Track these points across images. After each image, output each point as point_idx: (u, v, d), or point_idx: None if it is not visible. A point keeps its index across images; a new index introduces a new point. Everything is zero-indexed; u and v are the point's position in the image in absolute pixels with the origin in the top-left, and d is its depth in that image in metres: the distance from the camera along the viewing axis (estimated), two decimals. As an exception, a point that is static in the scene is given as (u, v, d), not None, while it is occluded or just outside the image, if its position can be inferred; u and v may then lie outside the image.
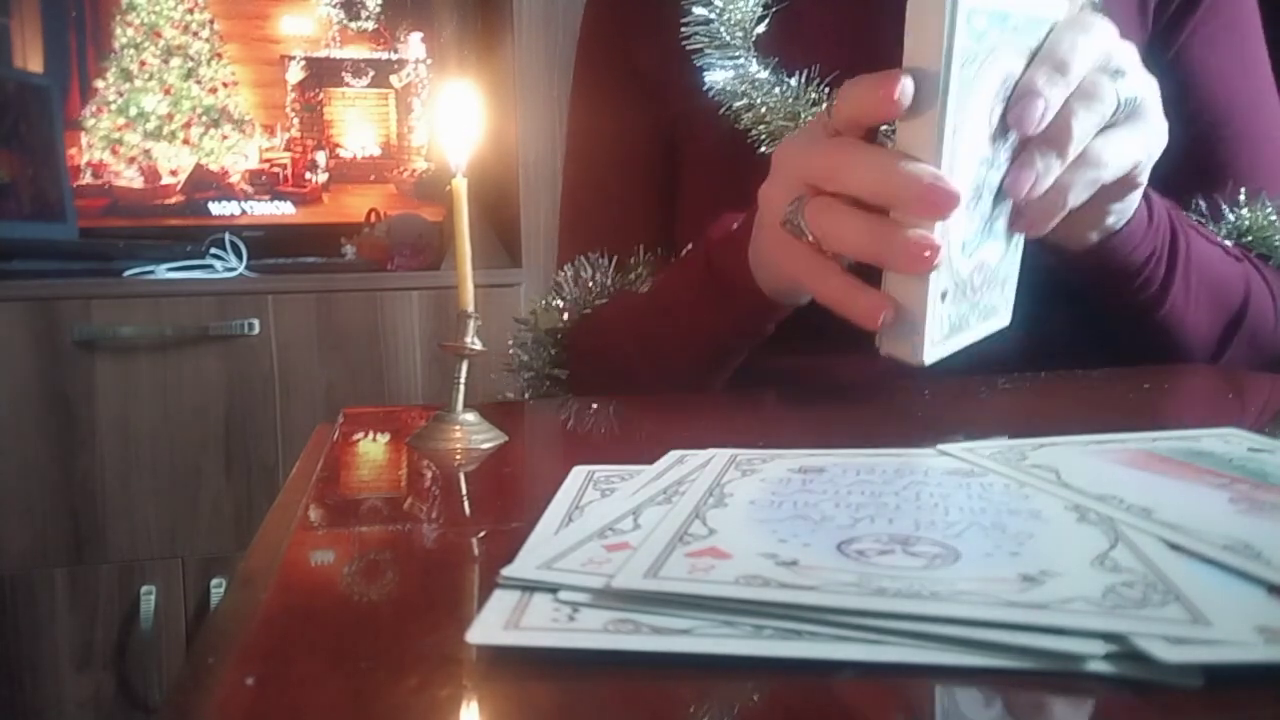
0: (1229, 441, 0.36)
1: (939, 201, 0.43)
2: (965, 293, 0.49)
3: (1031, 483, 0.31)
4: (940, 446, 0.37)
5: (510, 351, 0.77)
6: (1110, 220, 0.55)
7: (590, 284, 0.75)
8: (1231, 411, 0.52)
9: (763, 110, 0.64)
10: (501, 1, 1.81)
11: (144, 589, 1.52)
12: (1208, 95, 0.69)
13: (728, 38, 0.66)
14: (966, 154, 0.45)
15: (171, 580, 1.54)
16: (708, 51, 0.66)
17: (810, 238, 0.48)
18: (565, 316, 0.75)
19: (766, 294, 0.57)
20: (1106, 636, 0.20)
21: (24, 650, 1.48)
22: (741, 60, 0.65)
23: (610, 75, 0.80)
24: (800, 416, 0.51)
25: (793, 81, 0.64)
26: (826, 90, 0.63)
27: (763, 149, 0.64)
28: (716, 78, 0.66)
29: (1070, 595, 0.22)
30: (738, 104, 0.65)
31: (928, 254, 0.44)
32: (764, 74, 0.65)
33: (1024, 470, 0.33)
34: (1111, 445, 0.36)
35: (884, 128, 0.49)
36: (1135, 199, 0.55)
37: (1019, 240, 0.52)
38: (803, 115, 0.64)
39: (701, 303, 0.62)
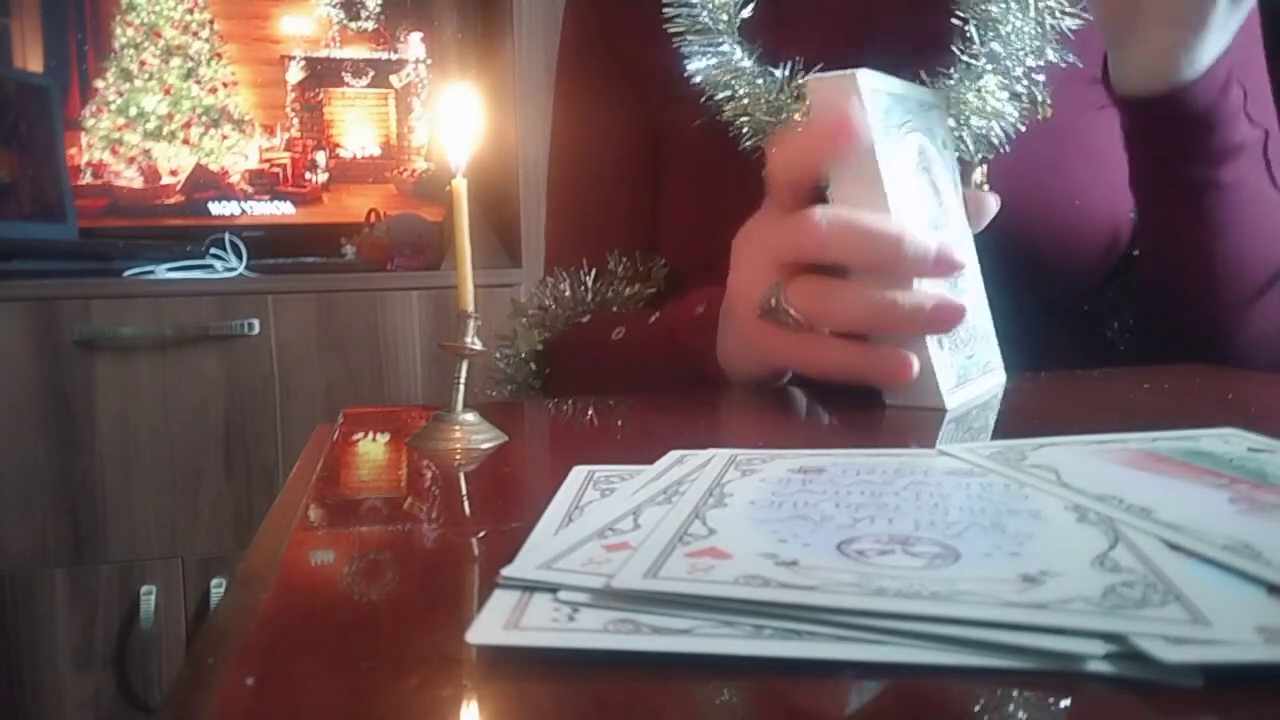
0: (1229, 441, 0.36)
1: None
2: (956, 344, 0.49)
3: (1031, 483, 0.31)
4: (940, 446, 0.37)
5: (496, 362, 0.76)
6: (1178, 53, 0.53)
7: (569, 297, 0.73)
8: (1231, 411, 0.52)
9: (745, 102, 0.61)
10: (501, 2, 1.81)
11: (144, 589, 1.52)
12: None
13: (710, 22, 0.63)
14: (910, 214, 0.47)
15: (171, 580, 1.54)
16: (689, 37, 0.63)
17: (796, 321, 0.47)
18: (545, 336, 0.74)
19: (738, 383, 0.55)
20: (1106, 636, 0.20)
21: (24, 650, 1.48)
22: (724, 47, 0.62)
23: (595, 71, 0.79)
24: (800, 416, 0.51)
25: (777, 73, 0.61)
26: None
27: (746, 143, 0.62)
28: (698, 66, 0.63)
29: (1070, 595, 0.22)
30: (720, 95, 0.62)
31: (953, 314, 0.44)
32: (747, 63, 0.62)
33: (1024, 470, 0.33)
34: (1111, 445, 0.36)
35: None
36: (1191, 41, 0.53)
37: (982, 297, 0.53)
38: (785, 111, 0.61)
39: (669, 378, 0.60)
